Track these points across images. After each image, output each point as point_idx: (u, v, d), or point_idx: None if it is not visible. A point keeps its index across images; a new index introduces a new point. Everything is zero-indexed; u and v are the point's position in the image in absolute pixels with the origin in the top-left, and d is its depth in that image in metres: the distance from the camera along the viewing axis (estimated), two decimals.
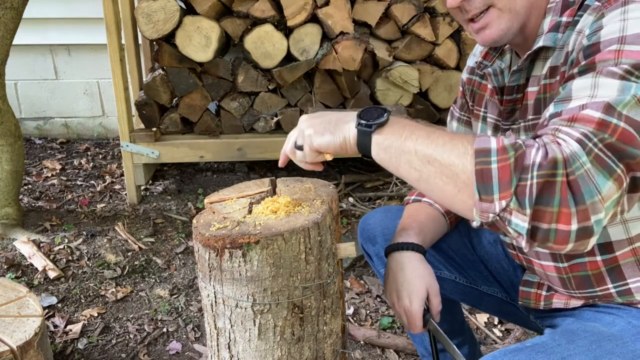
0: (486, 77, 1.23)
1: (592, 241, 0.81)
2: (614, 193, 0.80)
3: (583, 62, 0.91)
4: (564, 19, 1.02)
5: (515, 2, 1.02)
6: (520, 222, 0.80)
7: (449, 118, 1.44)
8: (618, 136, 0.80)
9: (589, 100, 0.84)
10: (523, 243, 0.82)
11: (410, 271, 1.22)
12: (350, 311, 2.21)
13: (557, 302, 1.19)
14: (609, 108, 0.82)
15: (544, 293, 1.22)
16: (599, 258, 1.08)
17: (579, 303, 1.16)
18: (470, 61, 1.34)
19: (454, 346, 1.25)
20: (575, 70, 0.91)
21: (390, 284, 1.25)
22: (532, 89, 1.10)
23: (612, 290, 1.09)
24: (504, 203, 0.80)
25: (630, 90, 0.83)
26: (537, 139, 0.83)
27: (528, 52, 1.06)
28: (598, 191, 0.78)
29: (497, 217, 0.81)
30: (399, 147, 0.90)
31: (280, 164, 1.16)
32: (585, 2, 0.99)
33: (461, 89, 1.37)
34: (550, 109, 0.90)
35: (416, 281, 1.21)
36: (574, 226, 0.78)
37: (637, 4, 0.91)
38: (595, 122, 0.81)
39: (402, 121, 0.94)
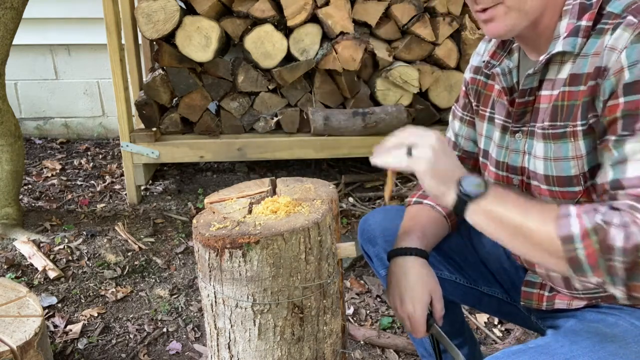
0: (493, 77, 1.23)
1: None
2: None
3: (623, 101, 0.93)
4: (583, 23, 1.01)
5: (525, 2, 1.02)
6: (618, 293, 0.90)
7: (450, 117, 1.43)
8: None
9: None
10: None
11: (413, 276, 1.22)
12: (350, 311, 2.21)
13: (560, 302, 1.19)
14: None
15: (546, 294, 1.22)
16: None
17: (581, 304, 1.16)
18: (475, 60, 1.33)
19: (457, 349, 1.25)
20: (619, 114, 0.93)
21: (393, 289, 1.25)
22: (545, 93, 1.09)
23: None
24: (599, 279, 0.89)
25: None
26: (614, 213, 0.88)
27: (544, 56, 1.06)
28: None
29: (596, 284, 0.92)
30: (493, 217, 0.99)
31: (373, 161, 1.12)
32: (608, 9, 0.99)
33: (464, 88, 1.36)
34: (609, 173, 0.94)
35: (419, 287, 1.22)
36: None
37: None
38: None
39: (498, 192, 1.00)
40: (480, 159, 1.31)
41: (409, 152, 1.04)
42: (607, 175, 0.94)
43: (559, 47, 1.03)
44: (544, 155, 1.10)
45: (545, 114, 1.09)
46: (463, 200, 1.00)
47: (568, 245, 0.89)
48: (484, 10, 1.05)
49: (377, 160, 1.08)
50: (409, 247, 1.26)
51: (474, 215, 1.00)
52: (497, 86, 1.21)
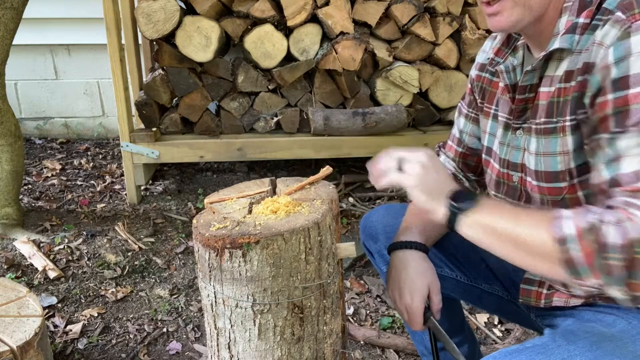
0: (497, 74, 1.23)
1: None
2: None
3: (612, 98, 0.92)
4: (581, 20, 1.01)
5: None
6: (618, 294, 0.87)
7: (456, 114, 1.44)
8: None
9: None
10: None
11: (412, 269, 1.25)
12: (350, 311, 2.21)
13: (557, 300, 1.20)
14: None
15: (544, 291, 1.23)
16: None
17: (579, 302, 1.16)
18: (480, 57, 1.34)
19: (454, 344, 1.25)
20: (609, 111, 0.92)
21: (392, 282, 1.27)
22: (544, 89, 1.09)
23: None
24: (597, 281, 0.87)
25: None
26: (608, 211, 0.87)
27: (543, 54, 1.06)
28: None
29: (595, 287, 0.90)
30: (485, 228, 0.99)
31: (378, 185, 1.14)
32: (603, 5, 0.99)
33: (470, 85, 1.37)
34: (603, 171, 0.93)
35: (418, 279, 1.24)
36: None
37: None
38: None
39: (488, 204, 1.01)
40: (484, 156, 1.31)
41: (400, 168, 1.07)
42: (601, 174, 0.94)
43: (556, 44, 1.04)
44: (535, 151, 1.11)
45: (542, 110, 1.09)
46: (454, 213, 1.02)
47: (562, 247, 0.88)
48: (490, 3, 1.05)
49: (375, 184, 1.11)
50: (409, 241, 1.29)
51: (466, 228, 1.01)
52: (502, 83, 1.21)
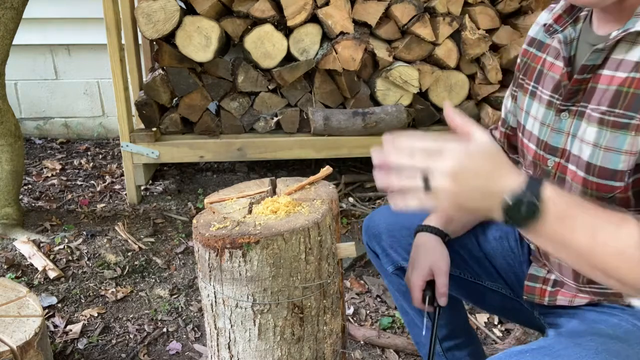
0: (545, 47, 1.14)
1: None
2: None
3: None
4: None
5: None
6: None
7: (507, 93, 1.37)
8: None
9: None
10: None
11: (421, 249, 1.32)
12: (350, 311, 2.21)
13: (562, 299, 1.19)
14: None
15: (549, 288, 1.22)
16: None
17: (583, 301, 1.15)
18: (532, 31, 1.24)
19: (436, 339, 1.29)
20: None
21: (409, 260, 1.36)
22: (608, 72, 0.98)
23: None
24: None
25: None
26: None
27: (617, 32, 0.95)
28: None
29: None
30: (556, 243, 0.85)
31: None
32: None
33: (518, 61, 1.29)
34: None
35: (422, 257, 1.31)
36: None
37: None
38: None
39: (557, 212, 0.81)
40: (519, 134, 1.24)
41: (426, 185, 0.80)
42: None
43: (638, 25, 0.92)
44: (594, 141, 1.00)
45: (604, 97, 0.98)
46: (514, 224, 0.83)
47: None
48: None
49: (393, 203, 0.85)
50: (427, 225, 1.36)
51: (533, 238, 0.87)
52: (549, 57, 1.13)
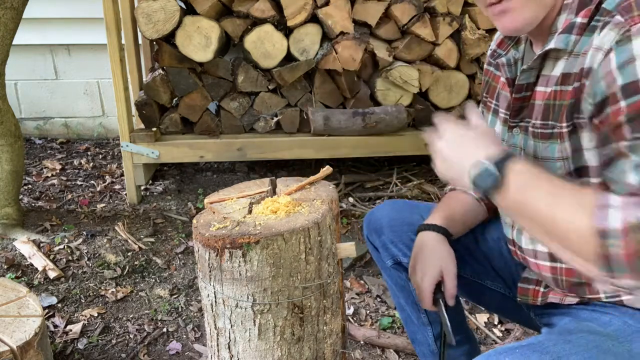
0: (499, 67, 1.20)
1: None
2: None
3: (624, 105, 0.86)
4: (579, 19, 0.98)
5: None
6: None
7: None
8: None
9: None
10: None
11: (428, 250, 1.29)
12: (350, 311, 2.21)
13: (553, 297, 1.20)
14: None
15: (541, 290, 1.23)
16: None
17: (574, 301, 1.17)
18: (490, 51, 1.31)
19: (451, 334, 1.25)
20: (623, 118, 0.86)
21: (412, 260, 1.33)
22: (540, 89, 1.07)
23: (602, 295, 1.11)
24: (632, 282, 0.81)
25: None
26: None
27: (539, 53, 1.04)
28: None
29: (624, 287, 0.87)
30: (517, 209, 0.92)
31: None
32: (603, 5, 0.95)
33: (483, 80, 1.36)
34: (632, 177, 0.85)
35: (431, 260, 1.28)
36: None
37: None
38: None
39: (518, 180, 0.90)
40: None
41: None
42: (630, 180, 0.85)
43: (552, 43, 1.01)
44: (533, 154, 1.09)
45: (538, 111, 1.07)
46: (482, 192, 0.95)
47: (603, 240, 0.80)
48: (498, 1, 0.99)
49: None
50: (431, 224, 1.34)
51: (498, 206, 0.96)
52: (502, 77, 1.19)
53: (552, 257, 1.14)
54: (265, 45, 2.81)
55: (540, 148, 1.07)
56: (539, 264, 1.18)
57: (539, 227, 0.89)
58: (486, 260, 1.42)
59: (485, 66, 1.33)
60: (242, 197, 1.27)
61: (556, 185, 0.89)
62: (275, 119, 3.00)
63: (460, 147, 1.00)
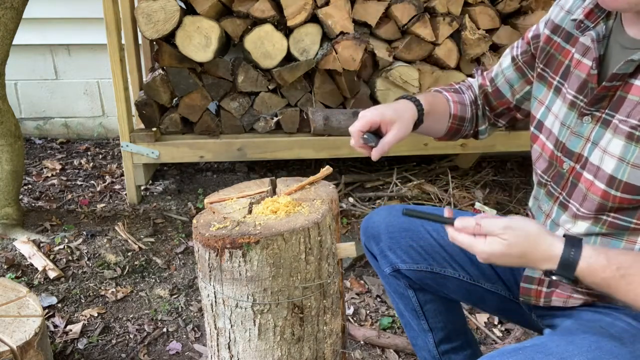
0: (573, 41, 1.07)
1: None
2: None
3: None
4: None
5: None
6: None
7: (507, 50, 1.31)
8: None
9: None
10: None
11: (392, 105, 1.24)
12: (350, 311, 2.21)
13: (556, 300, 1.19)
14: None
15: (544, 290, 1.22)
16: None
17: (578, 302, 1.16)
18: (556, 15, 1.15)
19: (434, 212, 1.17)
20: None
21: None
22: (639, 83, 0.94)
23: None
24: None
25: None
26: None
27: None
28: None
29: None
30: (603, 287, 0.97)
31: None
32: None
33: (530, 38, 1.21)
34: None
35: (386, 108, 1.22)
36: None
37: None
38: None
39: (593, 281, 0.96)
40: (532, 129, 1.19)
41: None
42: None
43: None
44: (620, 155, 0.97)
45: (635, 110, 0.94)
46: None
47: None
48: None
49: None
50: (412, 96, 1.29)
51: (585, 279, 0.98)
52: (577, 54, 1.06)
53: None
54: (265, 45, 2.81)
55: (635, 153, 0.95)
56: None
57: (617, 296, 0.96)
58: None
59: (547, 33, 1.15)
60: (242, 197, 1.27)
61: (623, 266, 0.94)
62: (275, 119, 2.99)
63: (513, 259, 1.01)
